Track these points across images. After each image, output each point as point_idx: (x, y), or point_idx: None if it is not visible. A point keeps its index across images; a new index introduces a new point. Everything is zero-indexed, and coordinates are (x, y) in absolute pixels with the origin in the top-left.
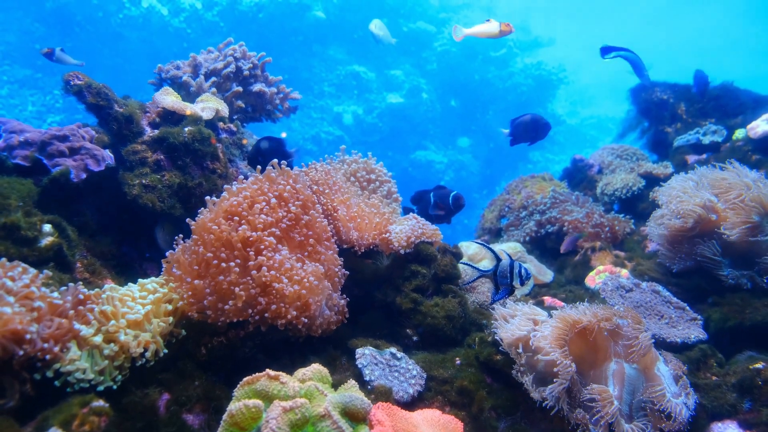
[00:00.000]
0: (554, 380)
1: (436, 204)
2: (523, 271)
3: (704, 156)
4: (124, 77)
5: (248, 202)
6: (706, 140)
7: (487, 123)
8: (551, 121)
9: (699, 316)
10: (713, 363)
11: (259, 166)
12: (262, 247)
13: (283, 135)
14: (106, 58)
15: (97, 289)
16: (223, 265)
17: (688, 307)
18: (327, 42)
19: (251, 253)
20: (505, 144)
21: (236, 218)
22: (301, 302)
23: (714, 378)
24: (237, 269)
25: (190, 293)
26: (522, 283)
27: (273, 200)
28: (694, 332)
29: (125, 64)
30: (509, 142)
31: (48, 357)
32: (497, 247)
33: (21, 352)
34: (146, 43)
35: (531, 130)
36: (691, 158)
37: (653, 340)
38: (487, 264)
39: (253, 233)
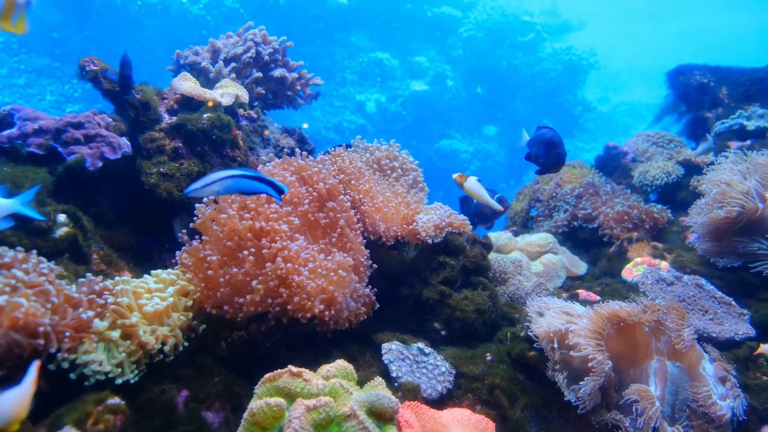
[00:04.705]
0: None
1: (479, 208)
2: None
3: (748, 142)
4: (143, 65)
5: None
6: (752, 125)
7: (514, 111)
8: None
9: (746, 312)
10: (764, 362)
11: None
12: (277, 238)
13: (305, 126)
14: (125, 46)
15: (110, 281)
16: (238, 255)
17: (734, 302)
18: (349, 28)
19: (265, 242)
20: (532, 133)
21: (251, 206)
22: (327, 296)
23: (765, 378)
24: (252, 258)
25: (203, 285)
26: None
27: (291, 177)
28: (742, 328)
29: (144, 52)
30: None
31: (59, 354)
32: (527, 238)
33: (39, 342)
34: (165, 30)
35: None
36: (734, 145)
37: (697, 337)
38: (518, 256)
39: (263, 223)
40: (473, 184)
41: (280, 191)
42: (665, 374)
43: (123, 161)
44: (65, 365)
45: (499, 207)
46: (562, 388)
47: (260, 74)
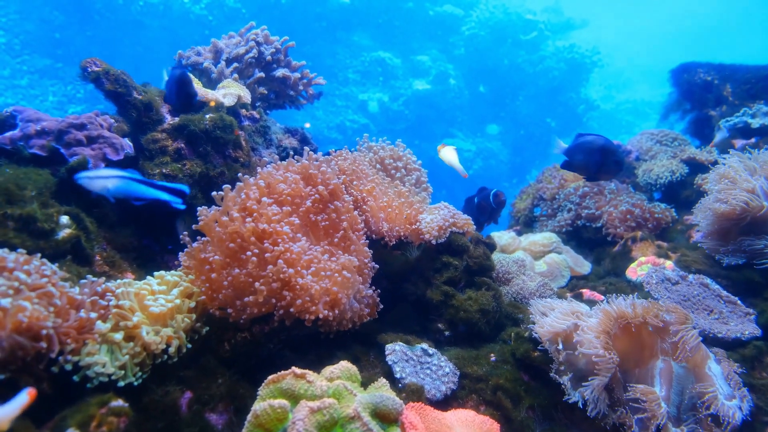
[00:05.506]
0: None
1: (480, 205)
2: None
3: (753, 140)
4: (145, 66)
5: (264, 191)
6: (756, 123)
7: (517, 109)
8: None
9: (752, 311)
10: None
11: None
12: (280, 240)
13: (307, 125)
14: (127, 46)
15: (113, 282)
16: (241, 257)
17: (739, 302)
18: (351, 28)
19: (267, 245)
20: (535, 131)
21: (254, 207)
22: (331, 297)
23: None
24: (255, 258)
25: (207, 286)
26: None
27: (294, 176)
28: (748, 328)
29: (146, 53)
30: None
31: (60, 357)
32: (530, 238)
33: (42, 346)
34: (167, 30)
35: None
36: (739, 143)
37: (702, 338)
38: (521, 255)
39: (265, 225)
40: (448, 152)
41: (181, 194)
42: (671, 375)
43: (125, 162)
44: (68, 367)
45: (465, 173)
46: (567, 390)
47: (262, 74)
